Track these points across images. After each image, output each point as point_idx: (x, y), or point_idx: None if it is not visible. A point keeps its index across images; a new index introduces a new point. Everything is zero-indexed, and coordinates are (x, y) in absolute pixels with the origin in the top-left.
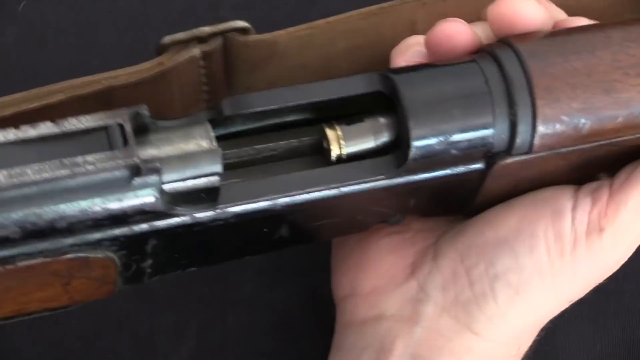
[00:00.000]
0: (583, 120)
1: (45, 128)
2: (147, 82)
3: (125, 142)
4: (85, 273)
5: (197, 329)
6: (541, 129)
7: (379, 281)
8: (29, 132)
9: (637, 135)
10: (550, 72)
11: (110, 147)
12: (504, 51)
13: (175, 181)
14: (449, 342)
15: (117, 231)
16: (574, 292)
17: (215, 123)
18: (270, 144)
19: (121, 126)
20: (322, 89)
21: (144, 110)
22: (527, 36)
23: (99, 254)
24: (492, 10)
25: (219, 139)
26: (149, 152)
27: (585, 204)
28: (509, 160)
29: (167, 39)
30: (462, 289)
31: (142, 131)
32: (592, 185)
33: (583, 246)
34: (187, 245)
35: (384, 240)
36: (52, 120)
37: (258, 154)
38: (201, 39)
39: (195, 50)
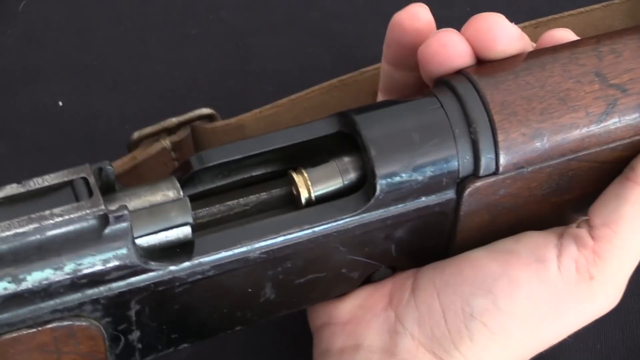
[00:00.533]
0: (544, 132)
1: (11, 189)
2: (121, 176)
3: (91, 193)
4: (73, 346)
5: None
6: (503, 144)
7: (357, 310)
8: None
9: (604, 147)
10: (503, 88)
11: (77, 199)
12: (455, 78)
13: (147, 234)
14: None
15: (96, 291)
16: (556, 336)
17: (184, 183)
18: (240, 200)
19: (85, 179)
20: (284, 135)
21: (107, 166)
22: (479, 65)
23: (83, 322)
24: (468, 28)
25: (190, 199)
26: (117, 205)
27: (571, 252)
28: (478, 183)
29: (136, 134)
30: (438, 324)
31: (108, 190)
32: (574, 232)
33: (571, 293)
34: (172, 312)
35: None
36: (17, 181)
37: (230, 210)
38: (169, 131)
39: (166, 142)
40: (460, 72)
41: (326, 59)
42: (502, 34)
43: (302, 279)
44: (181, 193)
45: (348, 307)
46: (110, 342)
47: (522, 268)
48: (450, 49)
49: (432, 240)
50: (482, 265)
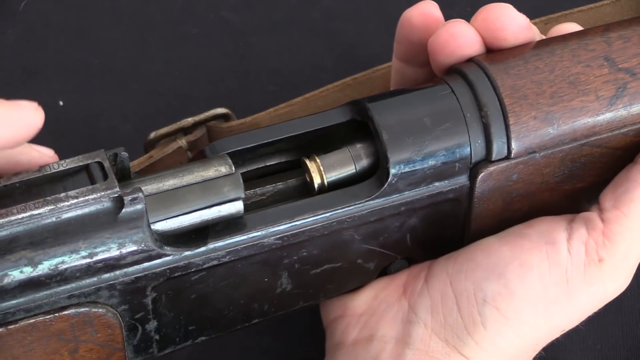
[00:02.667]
0: (555, 115)
1: (27, 174)
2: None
3: (106, 177)
4: (90, 334)
5: None
6: (515, 128)
7: (371, 302)
8: (11, 179)
9: (615, 132)
10: (513, 73)
11: (92, 183)
12: (465, 65)
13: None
14: None
15: (112, 275)
16: (568, 320)
17: None
18: (257, 189)
19: (100, 164)
20: (297, 124)
21: (122, 152)
22: (489, 53)
23: (100, 309)
24: (477, 18)
25: None
26: (132, 190)
27: (580, 235)
28: (491, 167)
29: (153, 134)
30: (450, 312)
31: (124, 177)
32: (584, 215)
33: (581, 276)
34: (189, 302)
35: None
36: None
37: (247, 200)
38: (186, 130)
39: (182, 142)
40: (470, 60)
41: (327, 58)
42: (511, 22)
43: (318, 269)
44: (233, 168)
45: (363, 299)
46: (128, 331)
47: (533, 251)
48: (460, 39)
49: (447, 229)
50: (493, 250)
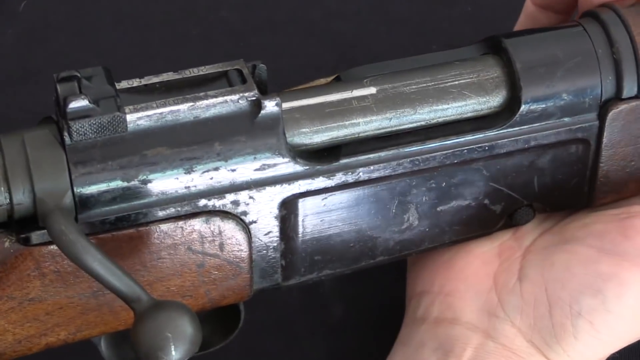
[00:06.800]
0: None
1: (167, 76)
2: None
3: (244, 82)
4: (219, 248)
5: None
6: None
7: (461, 284)
8: (152, 79)
9: None
10: None
11: (231, 86)
12: (599, 8)
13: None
14: None
15: (244, 182)
16: None
17: None
18: None
19: (239, 71)
20: (435, 57)
21: (261, 64)
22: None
23: (230, 220)
24: None
25: None
26: (270, 95)
27: None
28: (621, 106)
29: None
30: (542, 317)
31: (260, 90)
32: None
33: None
34: (317, 227)
35: (472, 244)
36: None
37: None
38: None
39: None
40: (603, 5)
41: (327, 59)
42: None
43: (446, 206)
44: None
45: (453, 280)
46: (256, 252)
47: (632, 269)
48: None
49: (574, 176)
50: (592, 261)
